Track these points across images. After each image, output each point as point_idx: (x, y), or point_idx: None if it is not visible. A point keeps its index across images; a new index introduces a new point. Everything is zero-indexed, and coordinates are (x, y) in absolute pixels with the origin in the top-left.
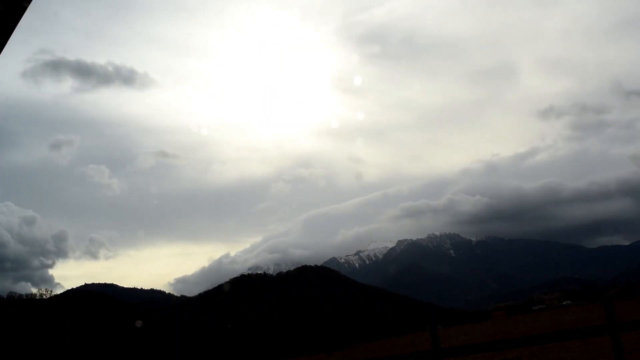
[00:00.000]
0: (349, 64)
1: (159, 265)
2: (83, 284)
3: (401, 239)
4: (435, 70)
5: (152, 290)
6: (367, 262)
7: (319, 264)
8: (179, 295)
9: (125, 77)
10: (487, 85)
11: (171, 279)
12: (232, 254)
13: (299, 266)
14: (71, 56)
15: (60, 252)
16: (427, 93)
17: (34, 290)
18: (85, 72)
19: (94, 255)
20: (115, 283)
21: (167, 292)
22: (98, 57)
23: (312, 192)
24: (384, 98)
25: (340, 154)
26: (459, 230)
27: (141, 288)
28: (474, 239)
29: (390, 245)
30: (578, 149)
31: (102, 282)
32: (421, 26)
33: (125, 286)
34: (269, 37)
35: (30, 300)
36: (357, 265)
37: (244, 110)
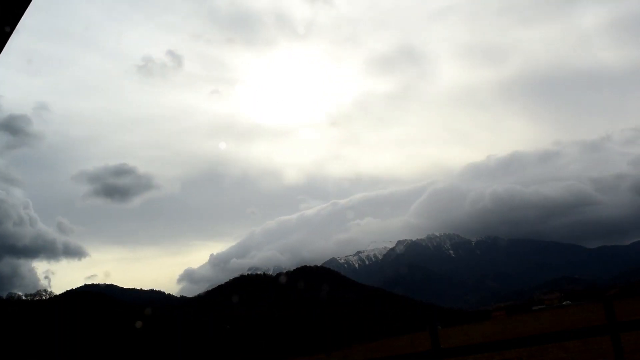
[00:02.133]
0: (226, 55)
1: (158, 265)
2: (83, 284)
3: (401, 239)
4: (330, 57)
5: (152, 290)
6: (367, 262)
7: (318, 264)
8: (178, 295)
9: None
10: (396, 74)
11: (171, 278)
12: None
13: (299, 266)
14: None
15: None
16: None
17: (33, 291)
18: None
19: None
20: (115, 283)
21: (167, 292)
22: None
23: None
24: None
25: (252, 155)
26: (458, 231)
27: (141, 288)
28: (474, 239)
29: (390, 245)
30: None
31: (102, 282)
32: (291, 6)
33: (125, 287)
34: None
35: (30, 300)
36: (357, 265)
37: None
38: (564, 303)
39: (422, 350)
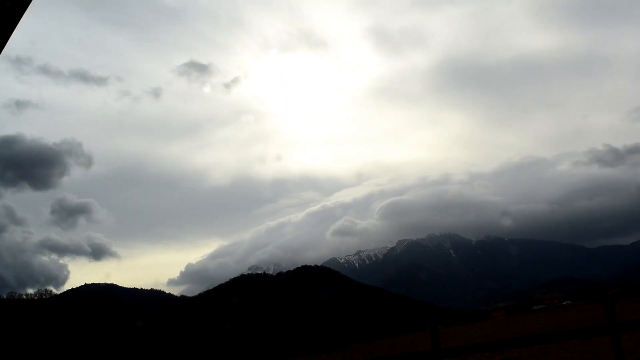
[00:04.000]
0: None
1: (157, 265)
2: (83, 283)
3: (401, 239)
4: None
5: (152, 290)
6: (367, 262)
7: (319, 264)
8: (179, 295)
9: None
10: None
11: (171, 277)
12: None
13: (299, 266)
14: None
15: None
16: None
17: (33, 291)
18: None
19: (93, 255)
20: (115, 283)
21: (167, 292)
22: None
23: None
24: (185, 90)
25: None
26: (458, 231)
27: (141, 288)
28: (474, 239)
29: (390, 245)
30: None
31: (102, 282)
32: None
33: (126, 286)
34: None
35: (30, 300)
36: (357, 265)
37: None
38: (564, 303)
39: (422, 350)
